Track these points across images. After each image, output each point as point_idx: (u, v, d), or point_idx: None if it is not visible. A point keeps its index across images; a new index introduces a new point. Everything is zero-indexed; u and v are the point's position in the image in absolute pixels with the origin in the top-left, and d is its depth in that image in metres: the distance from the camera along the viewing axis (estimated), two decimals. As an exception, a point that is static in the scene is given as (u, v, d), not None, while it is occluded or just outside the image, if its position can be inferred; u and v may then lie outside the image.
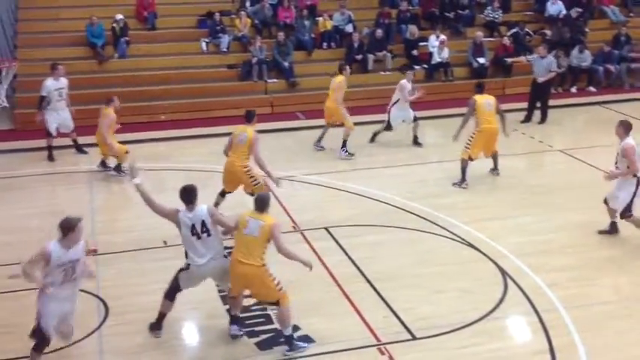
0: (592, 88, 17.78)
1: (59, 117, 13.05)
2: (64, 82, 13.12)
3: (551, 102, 15.91)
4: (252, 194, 9.47)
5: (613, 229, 9.70)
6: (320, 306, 8.05)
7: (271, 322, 7.65)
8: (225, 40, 17.47)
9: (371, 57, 17.66)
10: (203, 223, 7.05)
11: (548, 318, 7.69)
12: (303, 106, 16.35)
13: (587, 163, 12.52)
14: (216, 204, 9.92)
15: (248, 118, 10.23)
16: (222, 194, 10.31)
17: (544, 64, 15.24)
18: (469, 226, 9.98)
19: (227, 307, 7.64)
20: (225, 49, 17.49)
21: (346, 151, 13.07)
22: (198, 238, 7.06)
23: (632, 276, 8.62)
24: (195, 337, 7.74)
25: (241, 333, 7.42)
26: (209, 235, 7.08)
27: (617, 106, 16.29)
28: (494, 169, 12.02)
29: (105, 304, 8.03)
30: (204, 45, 17.49)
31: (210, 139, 14.31)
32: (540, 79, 15.19)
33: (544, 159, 13.37)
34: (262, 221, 6.99)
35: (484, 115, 11.47)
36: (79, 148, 13.49)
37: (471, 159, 11.56)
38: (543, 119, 15.28)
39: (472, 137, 11.53)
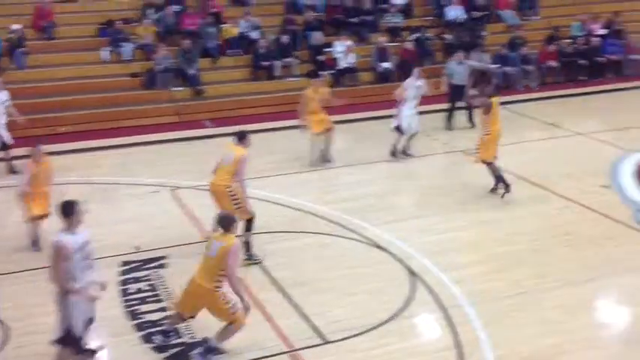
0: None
1: None
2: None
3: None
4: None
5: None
6: (232, 315, 8.00)
7: (180, 336, 7.55)
8: (127, 48, 17.12)
9: (278, 63, 17.73)
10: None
11: (455, 314, 7.94)
12: (211, 114, 16.24)
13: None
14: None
15: (239, 137, 9.38)
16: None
17: (463, 70, 15.41)
18: (378, 229, 10.16)
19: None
20: (128, 58, 17.15)
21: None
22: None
23: (531, 269, 8.97)
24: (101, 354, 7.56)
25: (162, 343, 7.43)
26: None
27: (513, 106, 16.97)
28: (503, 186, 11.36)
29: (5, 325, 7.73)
30: (105, 54, 17.07)
31: (115, 150, 14.02)
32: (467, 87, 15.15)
33: (447, 160, 13.76)
34: (224, 242, 6.95)
35: (498, 116, 11.23)
36: None
37: (495, 158, 11.23)
38: (473, 124, 15.23)
39: (485, 138, 11.19)
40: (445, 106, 15.51)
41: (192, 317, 7.33)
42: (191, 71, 16.82)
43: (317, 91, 13.09)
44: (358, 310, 8.11)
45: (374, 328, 7.68)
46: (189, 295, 7.12)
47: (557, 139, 14.57)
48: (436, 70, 18.67)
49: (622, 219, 10.31)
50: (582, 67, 19.18)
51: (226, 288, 6.95)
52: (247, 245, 9.16)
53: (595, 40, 19.51)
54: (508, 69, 18.58)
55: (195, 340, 7.45)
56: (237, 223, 7.29)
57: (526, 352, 7.20)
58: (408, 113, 13.08)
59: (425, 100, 13.60)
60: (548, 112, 16.57)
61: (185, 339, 7.47)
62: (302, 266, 9.18)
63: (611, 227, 10.09)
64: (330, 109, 17.01)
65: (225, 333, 7.11)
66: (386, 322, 7.80)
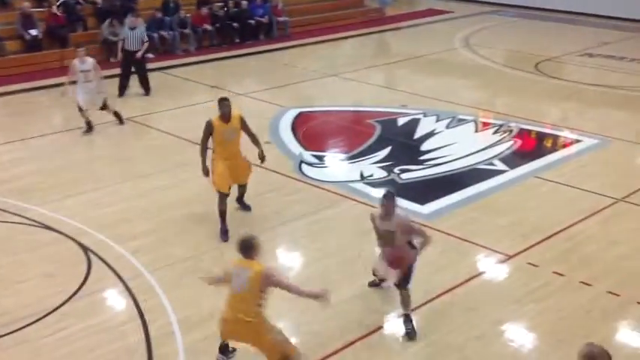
0: (150, 55, 18.21)
1: None
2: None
3: (113, 71, 15.90)
4: None
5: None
6: None
7: None
8: None
9: None
10: None
11: (135, 284, 7.79)
12: None
13: (156, 128, 12.90)
14: None
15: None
16: None
17: (137, 35, 14.75)
18: (44, 208, 9.50)
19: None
20: None
21: None
22: None
23: (208, 229, 9.11)
24: None
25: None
26: None
27: (175, 71, 17.08)
28: None
29: None
30: None
31: None
32: (139, 54, 14.66)
33: (115, 129, 13.29)
34: (251, 270, 5.89)
35: None
36: None
37: None
38: (148, 91, 15.04)
39: None
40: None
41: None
42: None
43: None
44: (29, 297, 7.51)
45: (49, 313, 7.20)
46: (229, 331, 6.22)
47: (219, 101, 14.99)
48: (90, 35, 17.95)
49: (284, 171, 11.02)
50: (235, 29, 19.95)
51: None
52: None
53: (244, 4, 20.38)
54: (164, 33, 18.53)
55: None
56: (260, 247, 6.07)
57: (206, 310, 7.34)
58: (80, 91, 12.38)
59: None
60: (209, 74, 16.99)
61: None
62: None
63: (275, 180, 10.73)
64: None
65: None
66: (62, 305, 7.36)
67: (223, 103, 8.93)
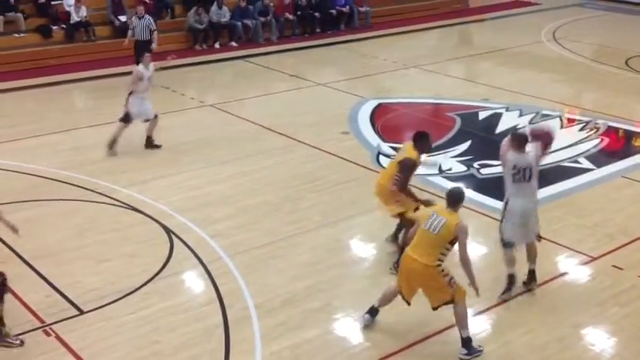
0: (234, 43, 18.54)
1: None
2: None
3: (197, 58, 16.26)
4: None
5: None
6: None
7: None
8: None
9: (0, 18, 16.09)
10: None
11: (214, 268, 7.95)
12: None
13: (238, 115, 13.11)
14: None
15: None
16: None
17: (144, 24, 14.43)
18: (130, 190, 9.80)
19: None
20: None
21: None
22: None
23: (284, 216, 9.24)
24: None
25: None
26: None
27: (257, 59, 17.29)
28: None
29: None
30: None
31: None
32: (154, 45, 14.19)
33: (197, 115, 13.62)
34: (448, 219, 6.31)
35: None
36: None
37: None
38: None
39: None
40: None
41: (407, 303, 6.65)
42: None
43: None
44: (114, 276, 7.77)
45: (132, 292, 7.44)
46: (407, 273, 6.49)
47: (300, 90, 15.12)
48: (177, 24, 18.36)
49: (362, 162, 11.02)
50: (317, 19, 20.00)
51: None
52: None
53: (326, -7, 20.43)
54: (247, 22, 18.77)
55: None
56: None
57: (283, 296, 7.44)
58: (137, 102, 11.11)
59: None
60: (289, 63, 17.12)
61: None
62: (46, 236, 8.55)
63: (353, 170, 10.74)
64: (65, 67, 16.01)
65: (459, 316, 6.46)
66: (145, 284, 7.59)
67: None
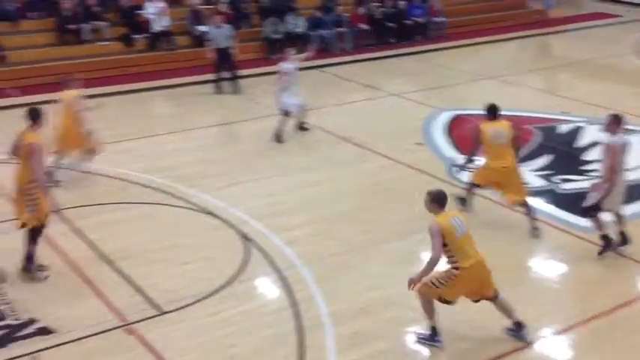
0: (307, 54, 18.63)
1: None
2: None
3: (272, 68, 16.42)
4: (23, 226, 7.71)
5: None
6: (59, 294, 7.56)
7: (3, 318, 7.08)
8: None
9: (86, 27, 16.73)
10: None
11: (289, 274, 8.04)
12: (15, 82, 15.03)
13: (313, 124, 13.21)
14: None
15: (31, 118, 7.83)
16: None
17: (224, 33, 15.11)
18: (207, 195, 10.02)
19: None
20: None
21: None
22: None
23: (358, 226, 9.27)
24: None
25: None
26: None
27: (331, 69, 17.40)
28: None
29: None
30: None
31: None
32: (233, 51, 14.97)
33: (272, 123, 13.79)
34: (461, 217, 6.70)
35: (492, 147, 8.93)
36: None
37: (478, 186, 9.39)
38: (237, 89, 15.27)
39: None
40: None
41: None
42: (-13, 35, 15.43)
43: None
44: (193, 278, 7.96)
45: (210, 295, 7.60)
46: (477, 279, 6.56)
47: (374, 100, 15.14)
48: (254, 33, 18.65)
49: (436, 174, 10.94)
50: (391, 29, 20.01)
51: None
52: (30, 258, 7.80)
53: (402, 4, 20.40)
54: (323, 32, 18.93)
55: (21, 321, 6.97)
56: None
57: (357, 306, 7.45)
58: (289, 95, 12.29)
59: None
60: (364, 73, 17.16)
61: (9, 321, 6.94)
62: (130, 238, 8.83)
63: (428, 182, 10.66)
64: (146, 75, 16.50)
65: (505, 304, 6.68)
66: (222, 288, 7.74)
67: None
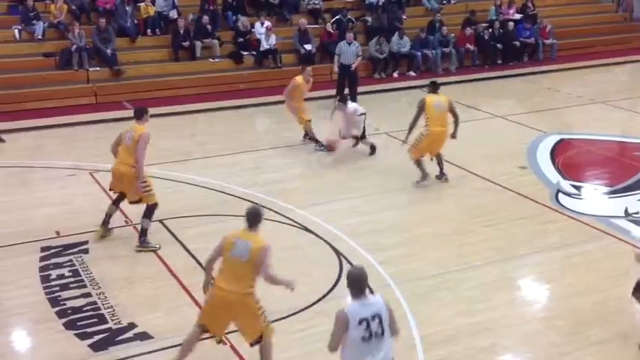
0: (412, 73, 18.70)
1: None
2: None
3: (375, 87, 16.53)
4: (138, 202, 8.99)
5: None
6: (158, 301, 7.87)
7: (105, 322, 7.39)
8: (39, 27, 16.43)
9: (198, 44, 17.41)
10: None
11: (382, 294, 7.99)
12: (131, 95, 15.81)
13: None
14: (109, 215, 9.17)
15: (137, 114, 9.00)
16: (116, 202, 9.26)
17: (352, 51, 15.47)
18: (304, 211, 10.16)
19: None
20: (40, 37, 16.46)
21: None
22: None
23: (452, 249, 9.16)
24: (23, 341, 7.29)
25: None
26: None
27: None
28: (441, 175, 11.34)
29: None
30: (17, 32, 16.37)
31: (29, 132, 13.51)
32: (353, 66, 15.36)
33: (373, 140, 13.83)
34: (253, 242, 6.25)
35: (433, 116, 10.88)
36: None
37: (417, 160, 11.05)
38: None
39: (419, 138, 10.98)
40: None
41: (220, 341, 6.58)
42: (108, 51, 16.32)
43: (308, 80, 13.07)
44: (287, 292, 8.03)
45: (303, 309, 7.69)
46: (217, 307, 6.32)
47: (476, 121, 14.89)
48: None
49: (539, 199, 10.65)
50: (498, 50, 19.68)
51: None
52: (144, 232, 8.97)
53: (510, 25, 20.05)
54: (427, 52, 18.86)
55: (121, 325, 7.29)
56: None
57: (449, 331, 7.34)
58: None
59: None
60: (467, 94, 16.92)
61: (110, 324, 7.28)
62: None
63: (529, 207, 10.41)
64: (251, 92, 16.96)
65: (266, 352, 6.44)
66: (315, 303, 7.82)
67: None
